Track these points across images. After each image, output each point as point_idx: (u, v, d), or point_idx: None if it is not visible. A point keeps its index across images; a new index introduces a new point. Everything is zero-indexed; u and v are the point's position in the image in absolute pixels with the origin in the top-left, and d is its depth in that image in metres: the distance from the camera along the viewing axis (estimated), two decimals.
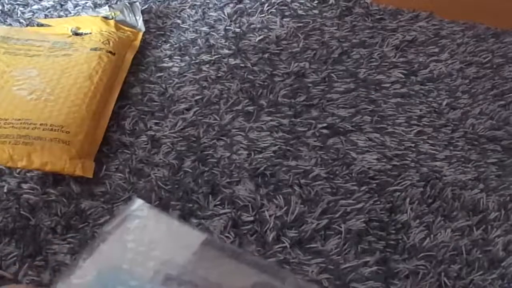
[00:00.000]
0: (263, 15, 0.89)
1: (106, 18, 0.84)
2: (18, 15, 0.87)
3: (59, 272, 0.56)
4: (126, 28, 0.83)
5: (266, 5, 0.91)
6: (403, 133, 0.72)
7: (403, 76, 0.80)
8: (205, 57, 0.81)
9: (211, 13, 0.89)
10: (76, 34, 0.82)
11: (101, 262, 0.50)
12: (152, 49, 0.83)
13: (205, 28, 0.87)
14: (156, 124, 0.72)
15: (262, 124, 0.72)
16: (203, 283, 0.49)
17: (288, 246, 0.59)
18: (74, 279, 0.49)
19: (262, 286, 0.49)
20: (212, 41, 0.84)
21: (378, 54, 0.83)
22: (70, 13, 0.88)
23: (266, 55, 0.82)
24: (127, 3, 0.86)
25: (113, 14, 0.85)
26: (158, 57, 0.81)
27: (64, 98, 0.69)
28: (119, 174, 0.65)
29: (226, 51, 0.83)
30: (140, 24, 0.85)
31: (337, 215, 0.62)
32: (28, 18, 0.87)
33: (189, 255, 0.51)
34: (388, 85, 0.78)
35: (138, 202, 0.56)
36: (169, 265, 0.50)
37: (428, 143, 0.71)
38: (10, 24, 0.85)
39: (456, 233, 0.61)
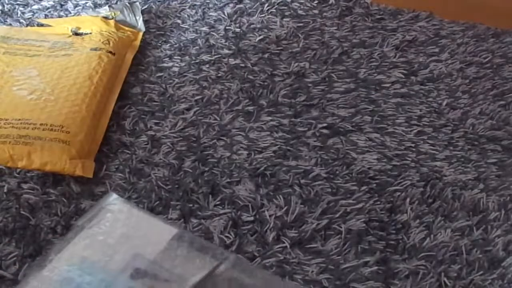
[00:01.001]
0: (263, 15, 0.89)
1: (106, 18, 0.84)
2: (18, 15, 0.87)
3: (30, 265, 0.56)
4: (126, 28, 0.83)
5: (266, 5, 0.91)
6: (403, 133, 0.72)
7: (403, 76, 0.80)
8: (205, 57, 0.81)
9: (211, 13, 0.89)
10: (76, 34, 0.82)
11: (72, 255, 0.50)
12: (152, 49, 0.83)
13: (205, 28, 0.87)
14: (156, 124, 0.72)
15: (262, 124, 0.72)
16: (169, 276, 0.49)
17: (288, 246, 0.59)
18: (45, 271, 0.49)
19: (226, 279, 0.50)
20: (212, 41, 0.84)
21: (378, 54, 0.83)
22: (70, 13, 0.88)
23: (266, 55, 0.82)
24: (127, 3, 0.86)
25: (113, 14, 0.85)
26: (158, 57, 0.81)
27: (64, 98, 0.69)
28: (119, 174, 0.65)
29: (226, 51, 0.83)
30: (140, 24, 0.85)
31: (337, 215, 0.62)
32: (28, 18, 0.87)
33: (157, 249, 0.51)
34: (388, 85, 0.78)
35: (113, 196, 0.56)
36: (137, 259, 0.50)
37: (428, 143, 0.71)
38: (10, 24, 0.85)
39: (456, 233, 0.61)
